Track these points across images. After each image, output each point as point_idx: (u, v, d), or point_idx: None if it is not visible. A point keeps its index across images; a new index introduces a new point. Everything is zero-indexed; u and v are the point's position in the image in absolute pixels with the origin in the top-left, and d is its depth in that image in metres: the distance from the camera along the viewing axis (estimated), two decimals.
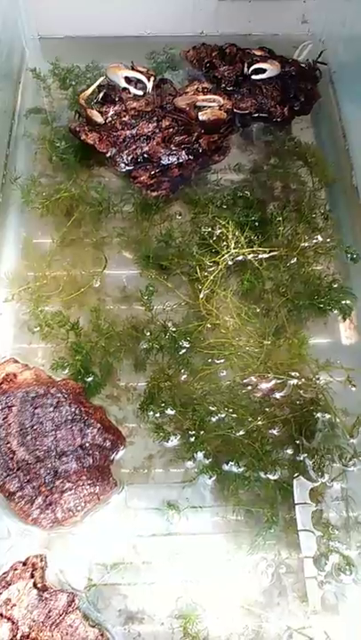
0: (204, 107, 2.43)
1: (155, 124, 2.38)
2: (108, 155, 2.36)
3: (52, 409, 1.79)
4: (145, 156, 2.36)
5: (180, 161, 2.35)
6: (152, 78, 2.51)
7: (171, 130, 2.38)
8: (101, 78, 2.48)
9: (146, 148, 2.36)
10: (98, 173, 2.43)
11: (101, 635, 1.53)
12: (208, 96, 2.46)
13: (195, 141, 2.38)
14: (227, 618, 1.63)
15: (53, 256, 2.20)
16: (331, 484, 1.81)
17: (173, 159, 2.35)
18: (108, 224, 2.30)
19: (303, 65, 2.69)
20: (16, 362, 1.94)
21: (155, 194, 2.35)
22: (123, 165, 2.36)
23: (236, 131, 2.58)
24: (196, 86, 2.53)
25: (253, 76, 2.58)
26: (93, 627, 1.54)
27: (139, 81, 2.49)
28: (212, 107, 2.42)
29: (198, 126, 2.40)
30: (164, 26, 2.83)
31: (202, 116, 2.39)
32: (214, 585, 1.68)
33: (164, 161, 2.35)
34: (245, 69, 2.59)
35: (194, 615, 1.62)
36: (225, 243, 2.18)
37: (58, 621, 1.52)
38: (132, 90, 2.47)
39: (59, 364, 1.96)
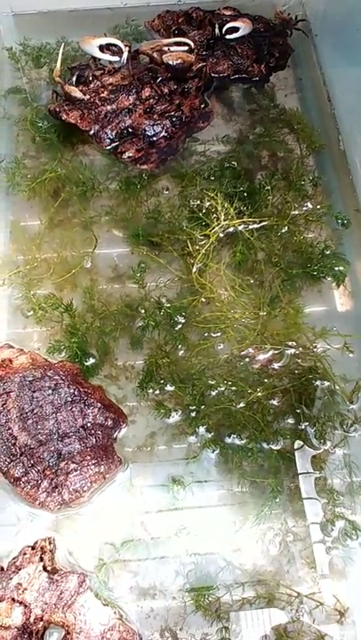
0: (170, 51, 2.34)
1: (134, 95, 2.33)
2: (92, 132, 2.31)
3: (50, 391, 1.78)
4: (129, 129, 2.31)
5: (165, 130, 2.31)
6: (127, 49, 2.42)
7: (151, 100, 2.33)
8: (74, 50, 2.40)
9: (129, 122, 2.31)
10: (82, 151, 2.39)
11: (114, 613, 1.54)
12: (175, 39, 2.36)
13: (177, 109, 2.33)
14: (237, 588, 1.65)
15: (43, 238, 2.18)
16: (333, 450, 1.82)
17: (158, 129, 2.30)
18: (96, 203, 2.27)
19: (270, 21, 2.64)
20: (11, 347, 1.93)
21: (144, 167, 2.31)
22: (108, 141, 2.32)
23: (211, 90, 2.53)
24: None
25: (228, 36, 2.51)
26: (106, 605, 1.55)
27: (113, 51, 2.40)
28: (178, 50, 2.33)
29: (165, 71, 2.33)
30: None
31: (167, 59, 2.29)
32: (223, 557, 1.70)
33: (149, 132, 2.30)
34: (217, 31, 2.51)
35: (205, 588, 1.64)
36: (215, 215, 2.16)
37: (70, 602, 1.53)
38: (108, 58, 2.38)
39: (55, 347, 1.95)
